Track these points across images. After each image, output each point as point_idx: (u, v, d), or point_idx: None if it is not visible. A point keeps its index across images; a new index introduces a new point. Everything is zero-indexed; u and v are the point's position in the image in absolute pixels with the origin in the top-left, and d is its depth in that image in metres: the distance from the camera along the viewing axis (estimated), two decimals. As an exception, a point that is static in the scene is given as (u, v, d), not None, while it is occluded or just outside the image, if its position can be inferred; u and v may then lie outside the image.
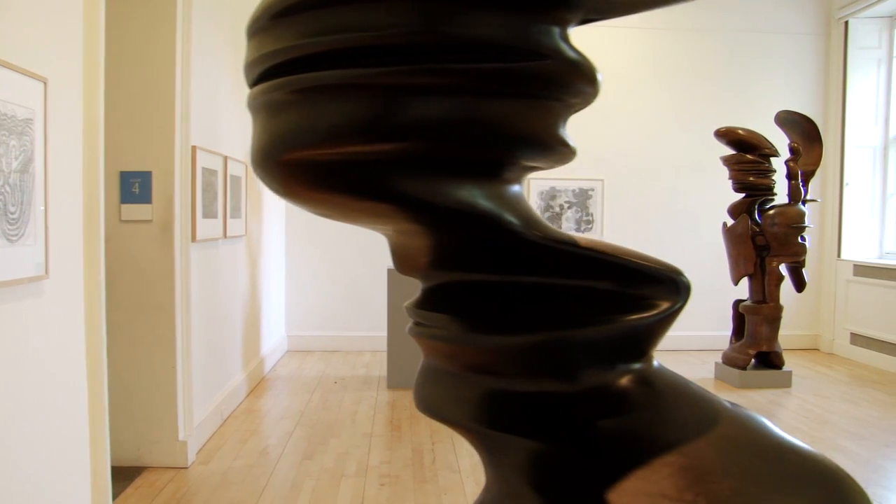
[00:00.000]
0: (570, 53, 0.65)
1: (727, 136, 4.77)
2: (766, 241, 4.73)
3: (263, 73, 0.66)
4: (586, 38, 5.58)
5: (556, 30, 0.65)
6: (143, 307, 3.04)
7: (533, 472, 0.67)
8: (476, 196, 0.66)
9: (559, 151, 0.72)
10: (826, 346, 6.05)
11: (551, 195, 5.87)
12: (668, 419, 0.69)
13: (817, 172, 6.07)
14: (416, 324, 0.76)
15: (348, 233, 5.79)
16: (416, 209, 0.64)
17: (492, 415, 0.71)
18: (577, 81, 0.67)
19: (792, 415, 4.10)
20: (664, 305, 0.71)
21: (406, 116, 0.62)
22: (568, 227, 5.89)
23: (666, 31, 5.94)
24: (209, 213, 3.56)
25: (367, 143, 0.61)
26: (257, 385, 4.63)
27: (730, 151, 4.82)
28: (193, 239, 3.29)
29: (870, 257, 5.80)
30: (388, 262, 5.18)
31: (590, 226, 5.91)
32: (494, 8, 0.62)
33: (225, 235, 3.87)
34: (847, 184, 5.88)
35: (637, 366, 0.72)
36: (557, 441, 0.67)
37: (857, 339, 5.68)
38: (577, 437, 0.67)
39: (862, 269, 5.63)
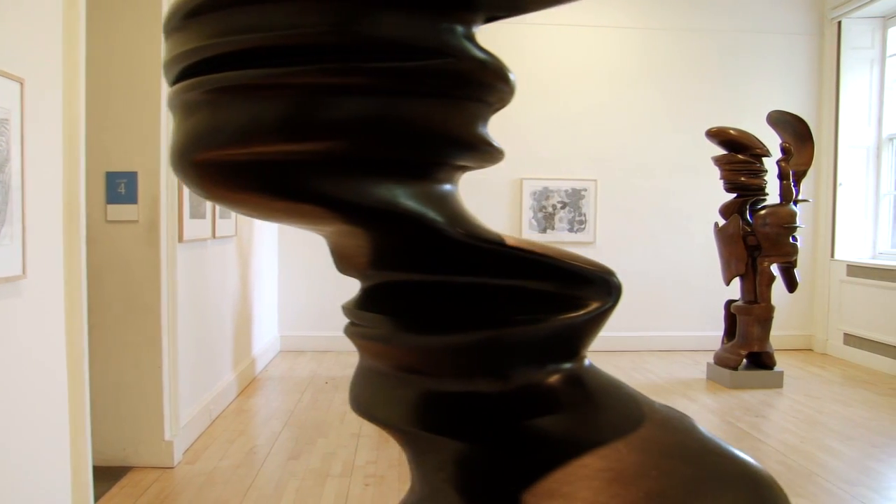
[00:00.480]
0: (474, 52, 0.65)
1: (718, 136, 4.77)
2: (758, 242, 4.73)
3: (180, 73, 0.67)
4: (580, 39, 5.63)
5: (461, 29, 0.65)
6: (129, 307, 3.04)
7: (454, 473, 0.68)
8: (398, 195, 0.66)
9: (483, 151, 0.73)
10: (820, 347, 6.05)
11: (544, 195, 5.87)
12: (592, 420, 0.69)
13: (811, 173, 6.07)
14: (351, 323, 0.76)
15: (341, 233, 5.79)
16: (334, 208, 0.65)
17: (419, 415, 0.71)
18: (487, 79, 0.67)
19: (782, 415, 4.09)
20: (594, 305, 0.71)
21: (315, 116, 0.62)
22: (561, 228, 5.90)
23: (659, 31, 5.93)
24: (197, 214, 3.56)
25: (275, 143, 0.61)
26: (248, 385, 4.64)
27: (721, 151, 4.82)
28: (180, 239, 3.29)
29: (863, 257, 5.80)
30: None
31: (582, 226, 5.91)
32: (398, 8, 0.62)
33: (214, 236, 3.87)
34: (840, 184, 5.87)
35: (568, 365, 0.72)
36: (482, 441, 0.67)
37: (851, 340, 5.68)
38: (501, 437, 0.67)
39: (855, 270, 5.63)
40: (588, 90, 5.89)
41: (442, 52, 0.63)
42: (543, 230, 5.89)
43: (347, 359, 5.50)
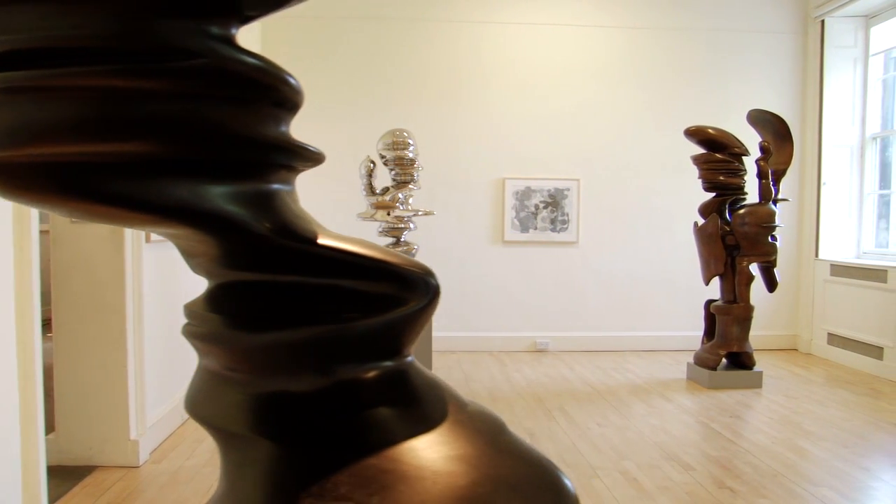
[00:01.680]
0: (230, 52, 0.65)
1: (697, 134, 4.76)
2: (736, 241, 4.71)
3: None
4: (563, 38, 5.63)
5: (216, 30, 0.65)
6: (94, 308, 3.06)
7: (253, 471, 0.68)
8: (204, 195, 0.66)
9: (288, 151, 0.73)
10: (804, 347, 6.03)
11: (526, 195, 5.86)
12: (396, 420, 0.69)
13: (794, 172, 6.05)
14: (187, 323, 0.77)
15: (324, 233, 5.81)
16: (135, 209, 0.65)
17: (238, 415, 0.72)
18: (257, 79, 0.67)
19: (756, 415, 4.08)
20: (411, 304, 0.71)
21: (108, 117, 0.62)
22: (543, 227, 5.89)
23: (643, 31, 5.92)
24: (167, 214, 3.57)
25: (70, 145, 0.61)
26: (226, 385, 4.65)
27: (701, 150, 4.80)
28: (148, 240, 3.31)
29: (848, 257, 5.77)
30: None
31: (565, 226, 5.90)
32: (166, 13, 0.62)
33: (187, 236, 3.88)
34: (824, 183, 5.85)
35: (389, 363, 0.72)
36: (286, 440, 0.67)
37: (834, 340, 5.65)
38: (307, 436, 0.67)
39: (838, 269, 5.60)
40: (571, 89, 5.89)
41: (199, 54, 0.63)
42: (526, 230, 5.88)
43: (329, 359, 5.51)
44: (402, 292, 0.70)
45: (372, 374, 0.70)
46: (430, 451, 0.66)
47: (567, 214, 5.89)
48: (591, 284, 5.97)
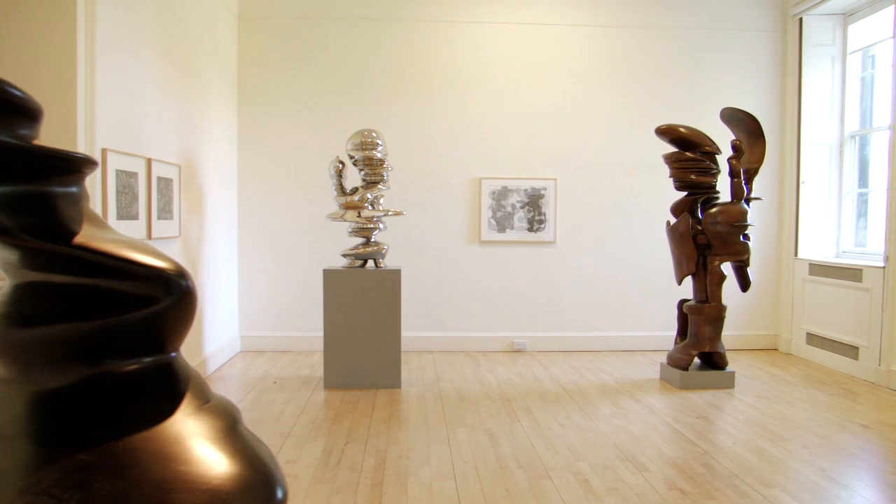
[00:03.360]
0: None
1: (668, 133, 4.73)
2: (708, 240, 4.69)
3: None
4: (538, 38, 5.65)
5: None
6: None
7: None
8: None
9: (31, 154, 0.73)
10: (784, 347, 5.99)
11: (503, 195, 5.85)
12: (129, 414, 0.69)
13: (775, 171, 6.01)
14: None
15: (300, 233, 5.81)
16: None
17: (6, 412, 0.72)
18: None
19: (723, 416, 4.05)
20: (162, 303, 0.71)
21: None
22: (521, 227, 5.88)
23: (619, 29, 5.90)
24: (127, 215, 3.59)
25: None
26: (196, 385, 4.66)
27: (673, 149, 4.78)
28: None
29: (827, 256, 5.73)
30: (339, 261, 5.20)
31: (542, 225, 5.89)
32: None
33: (150, 237, 3.90)
34: (803, 182, 5.81)
35: (149, 359, 0.72)
36: (35, 437, 0.67)
37: (813, 340, 5.61)
38: (43, 433, 0.67)
39: (817, 269, 5.56)
40: (548, 89, 5.87)
41: None
42: (503, 230, 5.87)
43: (304, 359, 5.52)
44: (153, 291, 0.70)
45: (131, 368, 0.70)
46: (143, 450, 0.66)
47: (544, 214, 5.88)
48: (569, 284, 5.96)
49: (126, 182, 3.58)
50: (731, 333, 5.97)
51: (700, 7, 5.92)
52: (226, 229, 5.53)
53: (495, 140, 5.85)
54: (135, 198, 3.69)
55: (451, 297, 5.90)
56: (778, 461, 3.27)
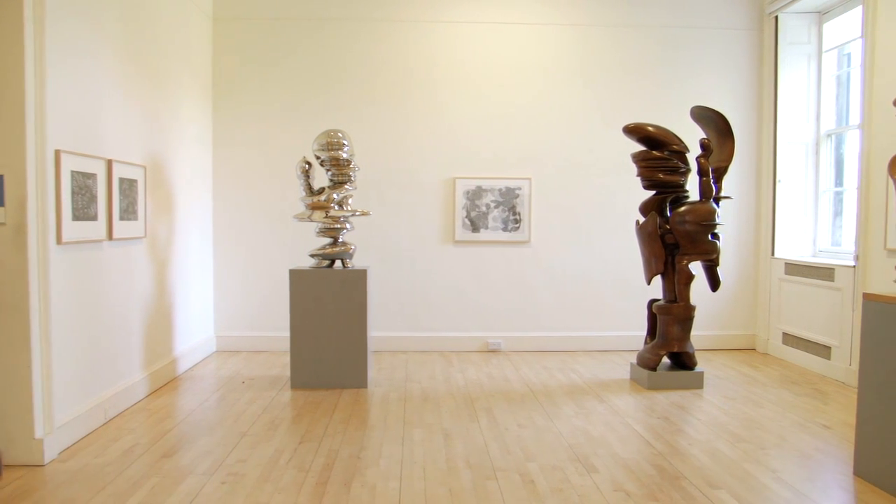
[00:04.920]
0: None
1: (636, 132, 4.71)
2: (676, 240, 4.66)
3: None
4: (513, 36, 5.70)
5: None
6: (-2, 308, 3.09)
7: None
8: None
9: None
10: (762, 346, 5.95)
11: (477, 194, 5.84)
12: None
13: (752, 169, 5.97)
14: None
15: (275, 233, 5.82)
16: None
17: None
18: None
19: (686, 417, 4.03)
20: None
21: None
22: (495, 227, 5.87)
23: (595, 28, 5.87)
24: (84, 216, 3.60)
25: None
26: (165, 385, 4.68)
27: (641, 147, 4.75)
28: (59, 241, 3.34)
29: (804, 255, 5.69)
30: (308, 261, 5.20)
31: (517, 225, 5.87)
32: None
33: (111, 237, 3.91)
34: (780, 180, 5.77)
35: None
36: None
37: (789, 339, 5.58)
38: None
39: (792, 268, 5.52)
40: (522, 88, 5.85)
41: None
42: (477, 230, 5.86)
43: (277, 359, 5.52)
44: None
45: None
46: None
47: (519, 214, 5.86)
48: (544, 284, 5.94)
49: (83, 183, 3.59)
50: (709, 333, 5.95)
51: (676, 5, 5.88)
52: (199, 230, 5.54)
53: (469, 140, 5.84)
54: (93, 199, 3.71)
55: (425, 297, 5.90)
56: (730, 462, 3.25)
